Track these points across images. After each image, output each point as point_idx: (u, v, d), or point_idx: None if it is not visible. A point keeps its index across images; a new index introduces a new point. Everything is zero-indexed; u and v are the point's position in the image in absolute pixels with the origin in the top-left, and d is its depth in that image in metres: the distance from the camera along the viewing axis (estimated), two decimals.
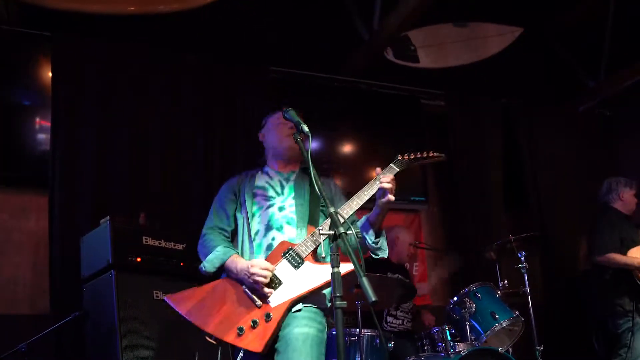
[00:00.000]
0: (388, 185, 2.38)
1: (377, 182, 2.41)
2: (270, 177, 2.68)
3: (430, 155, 2.59)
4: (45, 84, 4.50)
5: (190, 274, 3.55)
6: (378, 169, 2.47)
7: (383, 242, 2.51)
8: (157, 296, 3.43)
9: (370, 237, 2.47)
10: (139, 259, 3.42)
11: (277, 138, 2.68)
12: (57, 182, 4.21)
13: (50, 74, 4.45)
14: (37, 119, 4.55)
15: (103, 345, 3.27)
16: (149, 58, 4.80)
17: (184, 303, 2.34)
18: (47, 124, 4.39)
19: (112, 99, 4.57)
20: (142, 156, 4.56)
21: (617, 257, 4.40)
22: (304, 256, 2.36)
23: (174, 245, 3.65)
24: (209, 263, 2.43)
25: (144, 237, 3.52)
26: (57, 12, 4.31)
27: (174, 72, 4.87)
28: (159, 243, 3.58)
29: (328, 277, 2.23)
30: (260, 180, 2.66)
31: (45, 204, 4.23)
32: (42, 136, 4.49)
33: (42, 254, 4.28)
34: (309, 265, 2.35)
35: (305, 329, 2.27)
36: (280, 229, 2.47)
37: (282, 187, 2.62)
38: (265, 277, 2.29)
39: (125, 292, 3.28)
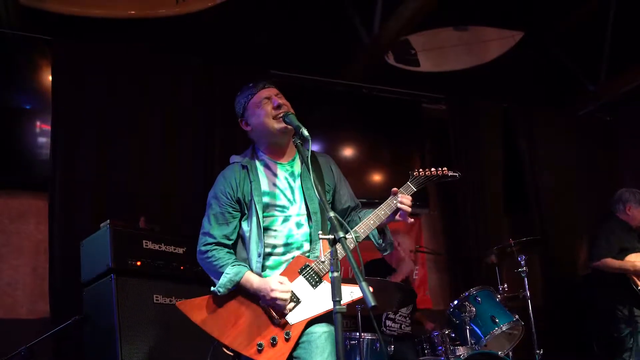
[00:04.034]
0: (408, 209, 2.38)
1: (395, 202, 2.38)
2: (274, 174, 2.50)
3: (445, 173, 2.54)
4: (46, 87, 4.51)
5: (191, 278, 3.56)
6: (395, 189, 2.42)
7: (388, 236, 2.50)
8: (157, 300, 3.42)
9: (375, 238, 2.48)
10: (139, 263, 3.41)
11: (264, 122, 2.47)
12: (57, 186, 4.22)
13: (50, 78, 4.46)
14: (38, 123, 4.56)
15: (103, 349, 3.26)
16: (148, 61, 4.82)
17: (198, 312, 2.30)
18: (48, 128, 4.40)
19: (112, 102, 4.58)
20: (142, 159, 4.57)
21: (612, 261, 4.40)
22: (322, 275, 2.34)
23: (174, 249, 3.64)
24: (223, 287, 2.31)
25: (144, 241, 3.51)
26: (58, 16, 4.32)
27: (174, 74, 4.88)
28: (159, 247, 3.57)
29: (347, 299, 2.25)
30: (266, 182, 2.47)
31: (45, 208, 4.24)
32: (42, 140, 4.50)
33: (42, 258, 4.29)
34: (327, 286, 2.31)
35: (325, 327, 2.31)
36: (300, 247, 2.42)
37: (292, 189, 2.48)
38: (285, 299, 2.27)
39: (125, 296, 3.27)
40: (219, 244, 2.41)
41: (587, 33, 5.75)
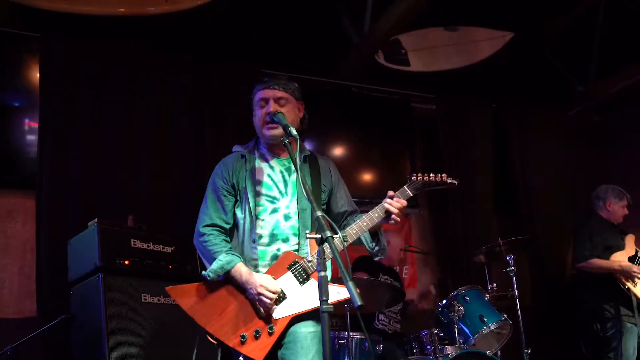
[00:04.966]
0: (395, 211, 2.41)
1: (387, 204, 2.43)
2: (271, 166, 2.58)
3: (444, 180, 2.56)
4: (35, 85, 4.45)
5: (179, 277, 3.54)
6: (391, 192, 2.45)
7: (382, 241, 2.53)
8: (145, 299, 3.41)
9: (367, 241, 2.52)
10: (127, 262, 3.40)
11: (258, 125, 2.59)
12: (44, 184, 4.18)
13: (38, 75, 4.41)
14: (26, 121, 4.51)
15: (90, 348, 3.24)
16: (138, 58, 4.77)
17: (186, 297, 2.34)
18: (36, 125, 4.35)
19: (101, 100, 4.53)
20: (130, 158, 4.53)
21: (598, 262, 4.43)
22: (311, 273, 2.37)
23: (163, 248, 3.63)
24: (213, 273, 2.36)
25: (132, 240, 3.49)
26: (47, 13, 4.29)
27: (164, 72, 4.84)
28: (147, 246, 3.56)
29: (334, 299, 2.28)
30: (261, 172, 2.55)
31: (32, 207, 4.20)
32: (31, 138, 4.45)
33: (29, 257, 4.24)
34: (314, 283, 2.34)
35: (311, 328, 2.34)
36: (286, 240, 2.45)
37: (285, 183, 2.53)
38: (272, 299, 2.29)
39: (113, 295, 3.26)
40: (216, 226, 2.48)
41: (576, 34, 5.79)
